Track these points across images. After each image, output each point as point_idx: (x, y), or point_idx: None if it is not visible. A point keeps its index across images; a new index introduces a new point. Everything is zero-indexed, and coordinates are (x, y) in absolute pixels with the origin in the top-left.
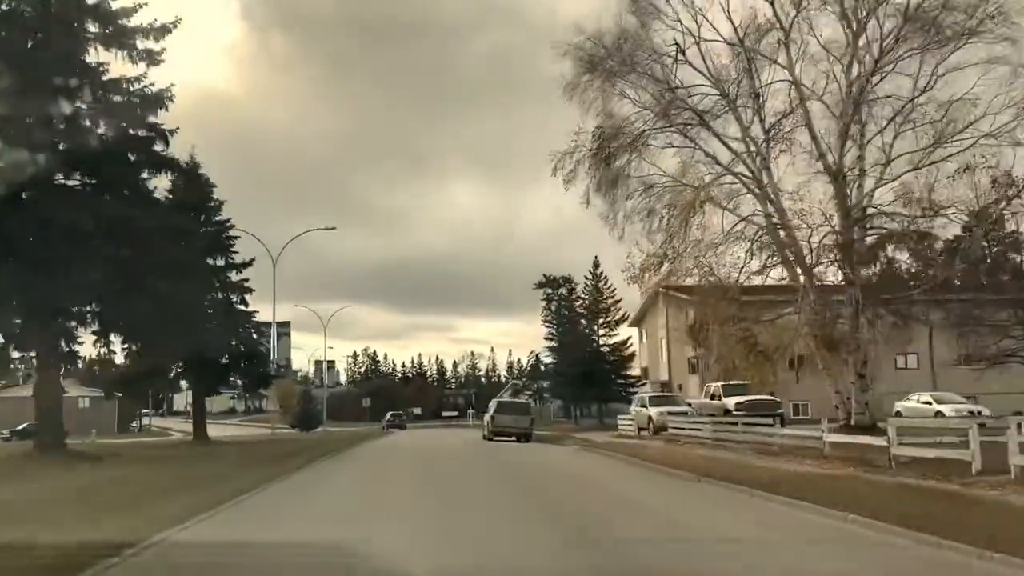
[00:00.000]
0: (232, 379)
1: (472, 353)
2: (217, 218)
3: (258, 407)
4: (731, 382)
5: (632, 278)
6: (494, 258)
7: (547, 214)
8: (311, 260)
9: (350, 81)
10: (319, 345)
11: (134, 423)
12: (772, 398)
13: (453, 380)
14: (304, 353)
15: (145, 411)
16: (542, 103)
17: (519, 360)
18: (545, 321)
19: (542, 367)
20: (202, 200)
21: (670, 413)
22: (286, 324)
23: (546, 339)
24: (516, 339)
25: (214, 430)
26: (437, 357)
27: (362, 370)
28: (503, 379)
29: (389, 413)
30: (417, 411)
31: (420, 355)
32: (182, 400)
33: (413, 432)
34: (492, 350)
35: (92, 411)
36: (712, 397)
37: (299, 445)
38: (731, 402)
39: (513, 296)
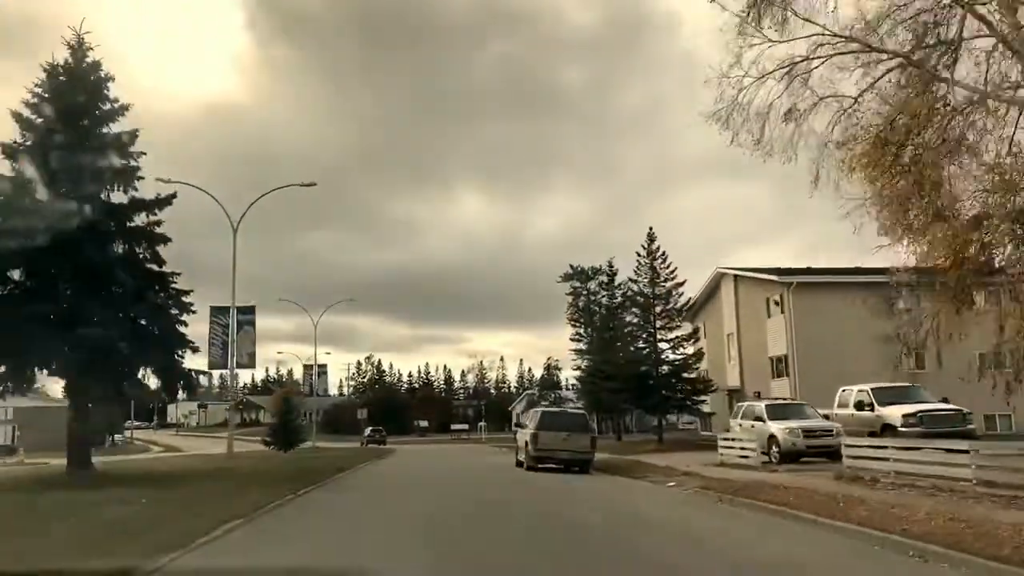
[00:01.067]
0: (138, 375)
1: (481, 363)
2: (113, 129)
3: (255, 418)
4: (884, 384)
5: None
6: (503, 268)
7: (557, 224)
8: (316, 271)
9: (357, 91)
10: (327, 359)
11: (110, 437)
12: (953, 407)
13: (461, 391)
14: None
15: (138, 423)
16: (550, 111)
17: (529, 370)
18: (571, 319)
19: (562, 372)
20: (88, 97)
21: (806, 432)
22: (250, 309)
23: (572, 340)
24: (524, 350)
25: (184, 443)
26: (445, 367)
27: (365, 379)
28: (514, 390)
29: (368, 428)
30: (424, 423)
31: (427, 364)
32: (182, 408)
33: (415, 453)
34: (502, 359)
35: (43, 421)
36: (858, 406)
37: (226, 485)
38: (894, 413)
39: (523, 307)
